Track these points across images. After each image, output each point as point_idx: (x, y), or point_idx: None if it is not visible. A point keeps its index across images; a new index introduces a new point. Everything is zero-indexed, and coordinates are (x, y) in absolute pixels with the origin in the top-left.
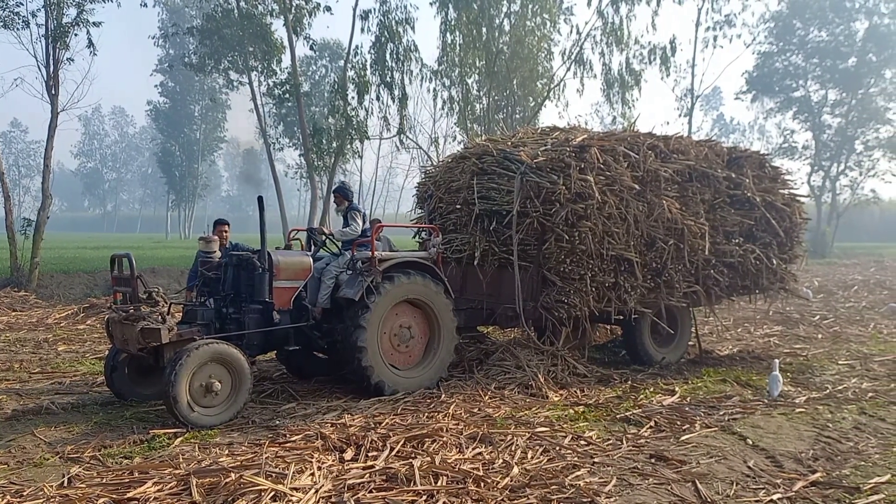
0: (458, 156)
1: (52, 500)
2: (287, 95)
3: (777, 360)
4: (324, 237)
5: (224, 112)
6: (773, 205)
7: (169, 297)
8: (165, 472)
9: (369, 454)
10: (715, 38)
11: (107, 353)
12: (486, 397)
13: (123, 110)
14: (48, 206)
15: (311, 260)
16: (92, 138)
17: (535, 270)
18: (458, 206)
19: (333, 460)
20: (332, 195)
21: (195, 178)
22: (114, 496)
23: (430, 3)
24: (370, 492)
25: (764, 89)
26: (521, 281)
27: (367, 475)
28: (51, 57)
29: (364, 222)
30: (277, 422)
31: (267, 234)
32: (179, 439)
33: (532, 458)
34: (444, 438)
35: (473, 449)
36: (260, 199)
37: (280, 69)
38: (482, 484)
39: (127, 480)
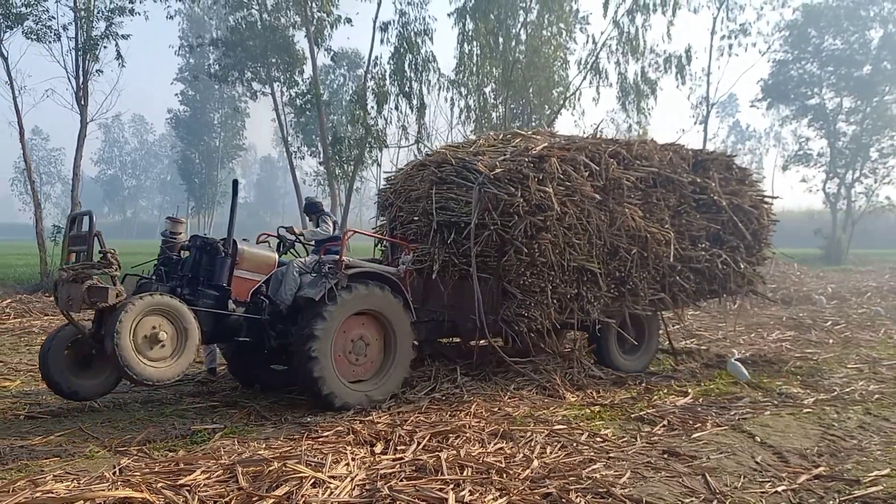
0: (417, 163)
1: (115, 484)
2: (308, 105)
3: (735, 351)
4: (294, 237)
5: (243, 120)
6: (740, 207)
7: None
8: (209, 462)
9: (398, 448)
10: (730, 46)
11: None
12: (506, 397)
13: (143, 118)
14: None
15: (277, 256)
16: (112, 146)
17: (496, 283)
18: (417, 217)
19: (365, 453)
20: (304, 215)
21: (214, 186)
22: (167, 482)
23: (449, 15)
24: (401, 480)
25: (779, 97)
26: (481, 293)
27: (398, 466)
28: (80, 69)
29: (335, 228)
30: (308, 419)
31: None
32: (219, 434)
33: (551, 452)
34: (468, 434)
35: (495, 444)
36: (235, 182)
37: (301, 80)
38: (505, 475)
39: (176, 470)
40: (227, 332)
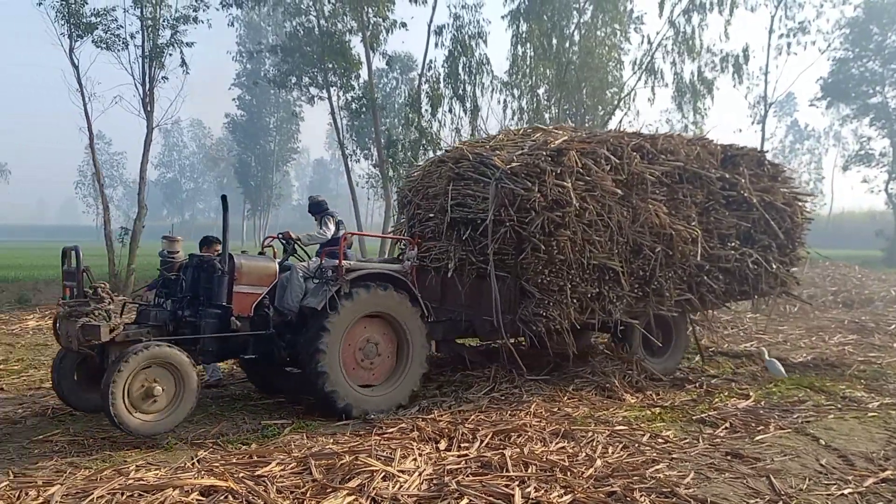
0: (436, 160)
1: (200, 473)
2: (363, 109)
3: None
4: (292, 242)
5: (298, 124)
6: (772, 205)
7: (132, 297)
8: (282, 455)
9: (461, 445)
10: (788, 45)
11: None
12: (565, 398)
13: (201, 122)
14: (143, 216)
15: (277, 266)
16: (171, 150)
17: (513, 281)
18: (433, 214)
19: (431, 449)
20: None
21: (270, 188)
22: (246, 473)
23: (502, 17)
24: (467, 476)
25: (839, 96)
26: (498, 292)
27: (463, 462)
28: (146, 75)
29: (338, 229)
30: (372, 416)
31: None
32: (288, 429)
33: (613, 452)
34: (529, 433)
35: (557, 443)
36: (223, 198)
37: (358, 84)
38: (569, 473)
39: (251, 462)
40: (231, 350)
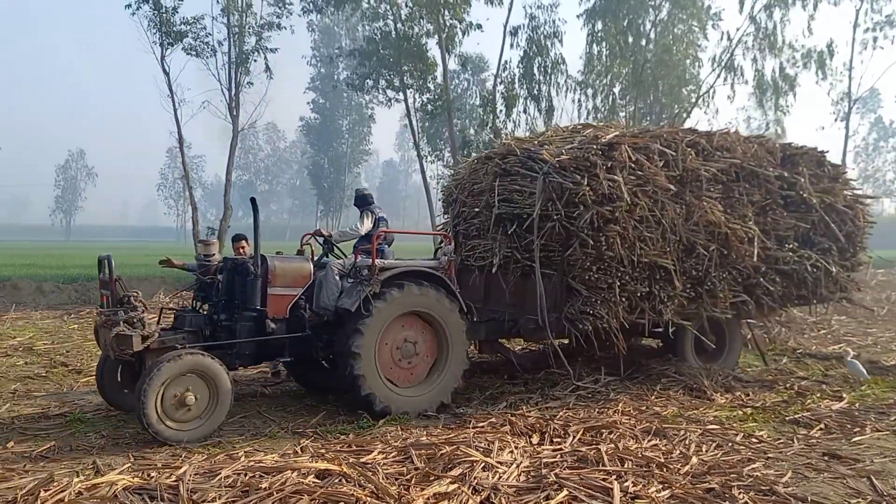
0: (482, 157)
1: (314, 457)
2: (438, 110)
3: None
4: (324, 240)
5: (369, 126)
6: (832, 206)
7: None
8: (382, 445)
9: (554, 440)
10: (874, 39)
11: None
12: (652, 397)
13: (275, 126)
14: (229, 217)
15: (312, 266)
16: (247, 152)
17: (559, 278)
18: (478, 210)
19: (525, 443)
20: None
21: (342, 190)
22: (351, 459)
23: (577, 17)
24: (564, 469)
25: None
26: (544, 289)
27: (559, 456)
28: (232, 81)
29: (376, 226)
30: (461, 410)
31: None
32: (382, 420)
33: (707, 451)
34: (620, 430)
35: (649, 441)
36: (253, 200)
37: (433, 85)
38: (665, 469)
39: (353, 450)
40: (268, 353)
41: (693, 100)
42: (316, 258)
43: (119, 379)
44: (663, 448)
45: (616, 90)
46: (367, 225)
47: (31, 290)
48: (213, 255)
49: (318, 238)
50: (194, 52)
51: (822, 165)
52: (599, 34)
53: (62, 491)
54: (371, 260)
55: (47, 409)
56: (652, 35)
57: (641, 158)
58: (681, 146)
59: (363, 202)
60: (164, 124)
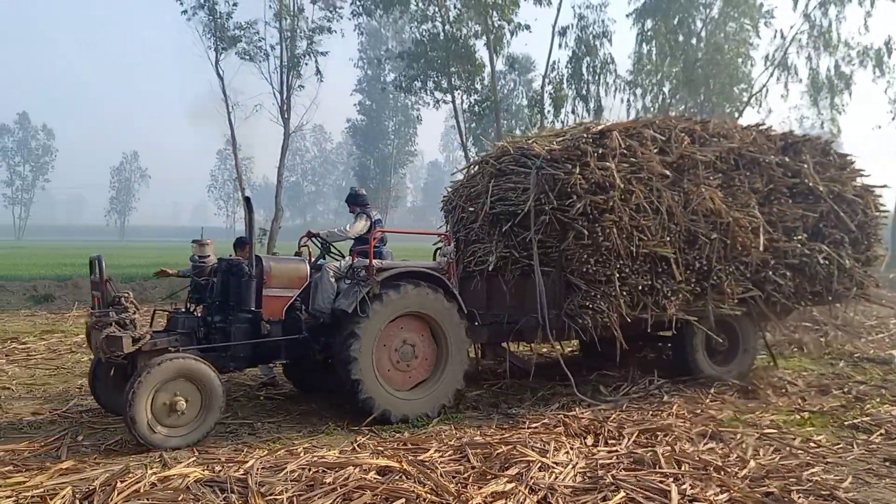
0: (479, 161)
1: (374, 454)
2: (485, 111)
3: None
4: (321, 241)
5: (415, 127)
6: (842, 196)
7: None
8: (435, 444)
9: (609, 441)
10: None
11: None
12: (707, 400)
13: (322, 127)
14: (280, 217)
15: (308, 268)
16: (295, 154)
17: (557, 274)
18: (472, 210)
19: (580, 444)
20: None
21: (388, 191)
22: (409, 457)
23: (627, 16)
24: (620, 471)
25: None
26: (543, 285)
27: (614, 458)
28: (284, 84)
29: (372, 227)
30: (514, 410)
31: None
32: (436, 420)
33: (764, 455)
34: (675, 433)
35: (705, 444)
36: (247, 199)
37: (481, 86)
38: (722, 472)
39: (409, 448)
40: (263, 356)
41: (745, 99)
42: (313, 259)
43: (112, 381)
44: (720, 451)
45: (666, 89)
46: (360, 226)
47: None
48: (208, 255)
49: (314, 239)
50: (247, 57)
51: (828, 154)
52: (649, 33)
53: (137, 482)
54: (368, 261)
55: None
56: (703, 34)
57: (634, 144)
58: (674, 132)
59: (356, 201)
60: (218, 127)
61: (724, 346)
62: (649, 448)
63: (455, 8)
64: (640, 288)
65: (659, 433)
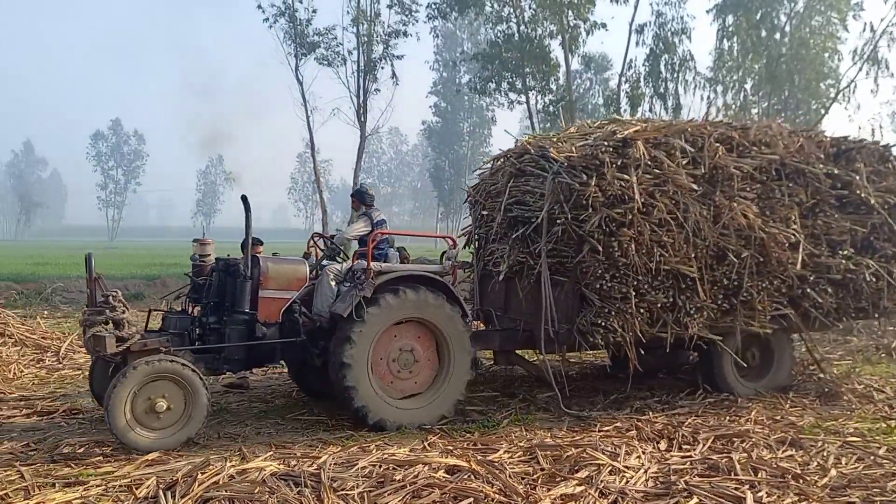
0: (501, 156)
1: (443, 453)
2: (560, 111)
3: None
4: (325, 241)
5: (490, 128)
6: None
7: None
8: (507, 444)
9: (683, 446)
10: None
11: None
12: (787, 406)
13: (398, 130)
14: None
15: (308, 269)
16: (371, 156)
17: (572, 286)
18: (487, 212)
19: (653, 449)
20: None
21: (462, 192)
22: (478, 457)
23: (707, 12)
24: (693, 477)
25: None
26: (554, 298)
27: (688, 463)
28: (361, 88)
29: (375, 229)
30: (585, 413)
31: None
32: (506, 420)
33: (847, 463)
34: (753, 439)
35: (784, 451)
36: (244, 198)
37: (556, 86)
38: (801, 481)
39: (479, 448)
40: (258, 359)
41: (832, 95)
42: (312, 262)
43: (109, 379)
44: (799, 459)
45: (748, 86)
46: (358, 227)
47: (179, 288)
48: (209, 255)
49: (318, 240)
50: (326, 62)
51: (886, 161)
52: (730, 29)
53: (216, 474)
54: (366, 263)
55: None
56: (787, 28)
57: (660, 155)
58: (708, 141)
59: (362, 199)
60: (298, 131)
61: (756, 361)
62: (725, 454)
63: (530, 8)
64: (658, 305)
65: (735, 439)
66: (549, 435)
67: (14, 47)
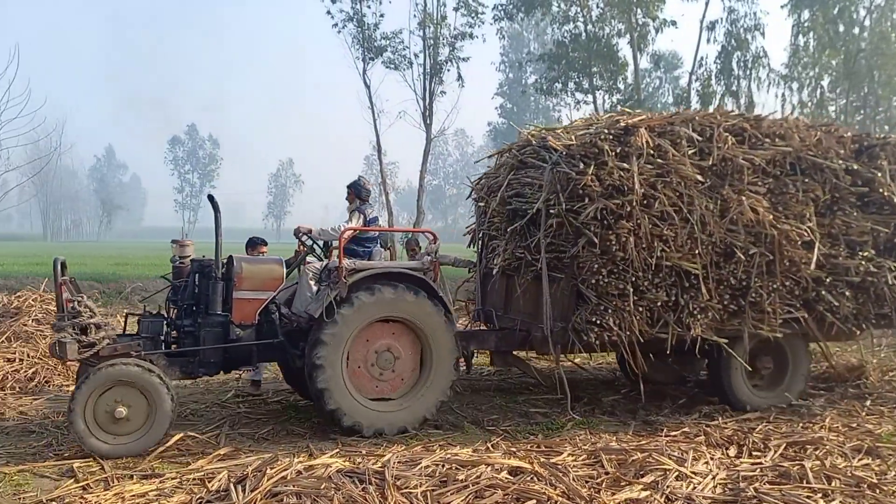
0: (505, 149)
1: (506, 454)
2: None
3: None
4: (305, 237)
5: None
6: None
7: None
8: (569, 447)
9: (753, 453)
10: None
11: None
12: (863, 413)
13: (464, 131)
14: (421, 221)
15: (284, 268)
16: (437, 158)
17: (567, 282)
18: (495, 207)
19: (721, 455)
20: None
21: None
22: (542, 459)
23: (781, 7)
24: (764, 484)
25: None
26: (550, 295)
27: (758, 470)
28: (427, 91)
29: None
30: (653, 418)
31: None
32: (570, 423)
33: None
34: (827, 447)
35: (860, 460)
36: (210, 197)
37: (624, 85)
38: (878, 490)
39: (542, 450)
40: (234, 361)
41: None
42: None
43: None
44: (876, 468)
45: (825, 83)
46: (353, 224)
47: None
48: (188, 256)
49: (302, 237)
50: (393, 66)
51: None
52: (806, 24)
53: (284, 470)
54: (339, 261)
55: (266, 396)
56: (866, 23)
57: (664, 144)
58: (717, 131)
59: (358, 193)
60: (365, 134)
61: (770, 367)
62: (797, 462)
63: (598, 7)
64: (658, 303)
65: (808, 446)
66: (614, 438)
67: (99, 55)
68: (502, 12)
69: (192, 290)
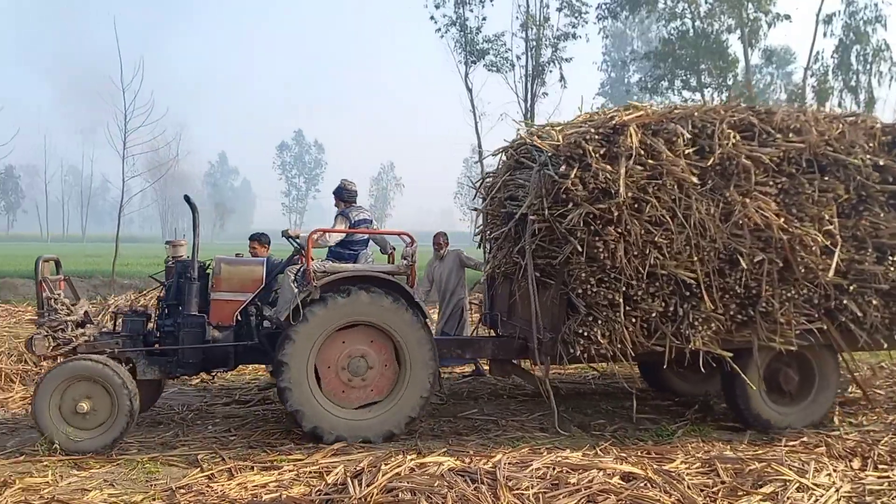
0: (502, 149)
1: (617, 459)
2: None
3: None
4: (293, 240)
5: None
6: None
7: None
8: (681, 455)
9: (879, 466)
10: None
11: None
12: None
13: None
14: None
15: (264, 270)
16: None
17: (557, 291)
18: (492, 210)
19: (845, 467)
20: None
21: None
22: (654, 466)
23: None
24: (893, 499)
25: None
26: (539, 303)
27: (885, 484)
28: (529, 92)
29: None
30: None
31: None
32: (681, 430)
33: None
34: None
35: None
36: (187, 198)
37: (734, 83)
38: None
39: (653, 457)
40: (211, 362)
41: None
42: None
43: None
44: None
45: None
46: (338, 228)
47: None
48: (181, 256)
49: (290, 240)
50: (494, 68)
51: None
52: None
53: (398, 466)
54: (307, 264)
55: None
56: None
57: (657, 143)
58: (719, 127)
59: (340, 196)
60: (466, 136)
61: (794, 381)
62: None
63: (706, 2)
64: (653, 314)
65: None
66: (728, 447)
67: (212, 67)
68: (606, 11)
69: (175, 291)
